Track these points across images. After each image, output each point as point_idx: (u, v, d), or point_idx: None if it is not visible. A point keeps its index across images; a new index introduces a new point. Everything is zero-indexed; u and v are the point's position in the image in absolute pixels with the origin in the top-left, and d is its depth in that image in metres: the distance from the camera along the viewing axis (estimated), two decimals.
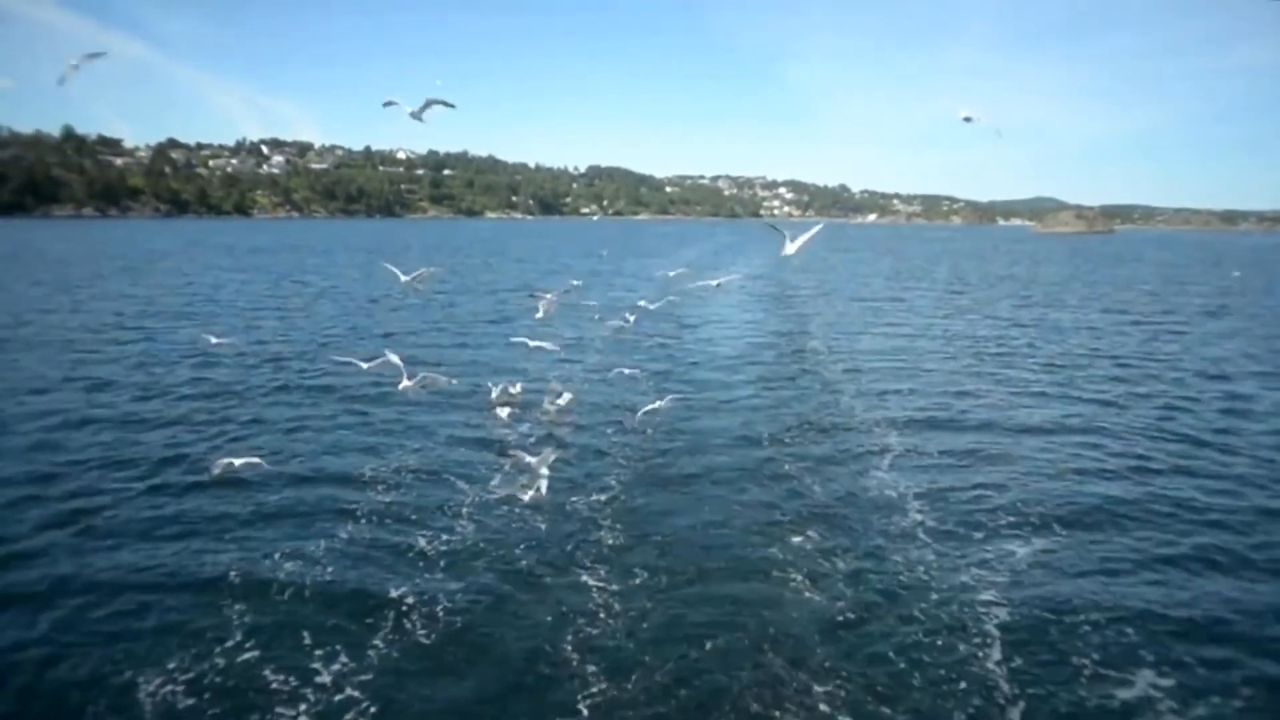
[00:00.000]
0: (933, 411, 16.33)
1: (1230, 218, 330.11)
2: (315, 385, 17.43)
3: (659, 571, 9.14)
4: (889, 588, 8.82)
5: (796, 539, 10.04)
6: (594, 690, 7.04)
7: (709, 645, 7.68)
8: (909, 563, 9.45)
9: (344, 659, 7.34)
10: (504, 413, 14.56)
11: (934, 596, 8.67)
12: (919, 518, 10.77)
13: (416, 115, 11.40)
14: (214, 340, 16.10)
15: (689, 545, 9.91)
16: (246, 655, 7.40)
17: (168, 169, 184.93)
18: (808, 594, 8.73)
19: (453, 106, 11.44)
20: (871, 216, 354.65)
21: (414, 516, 10.48)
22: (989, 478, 12.36)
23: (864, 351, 23.39)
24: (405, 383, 11.75)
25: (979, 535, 10.28)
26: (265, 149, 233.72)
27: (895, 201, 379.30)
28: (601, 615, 8.21)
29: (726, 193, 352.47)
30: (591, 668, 7.34)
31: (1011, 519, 10.80)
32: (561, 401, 15.09)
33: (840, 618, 8.23)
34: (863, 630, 8.01)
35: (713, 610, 8.35)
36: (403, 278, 13.16)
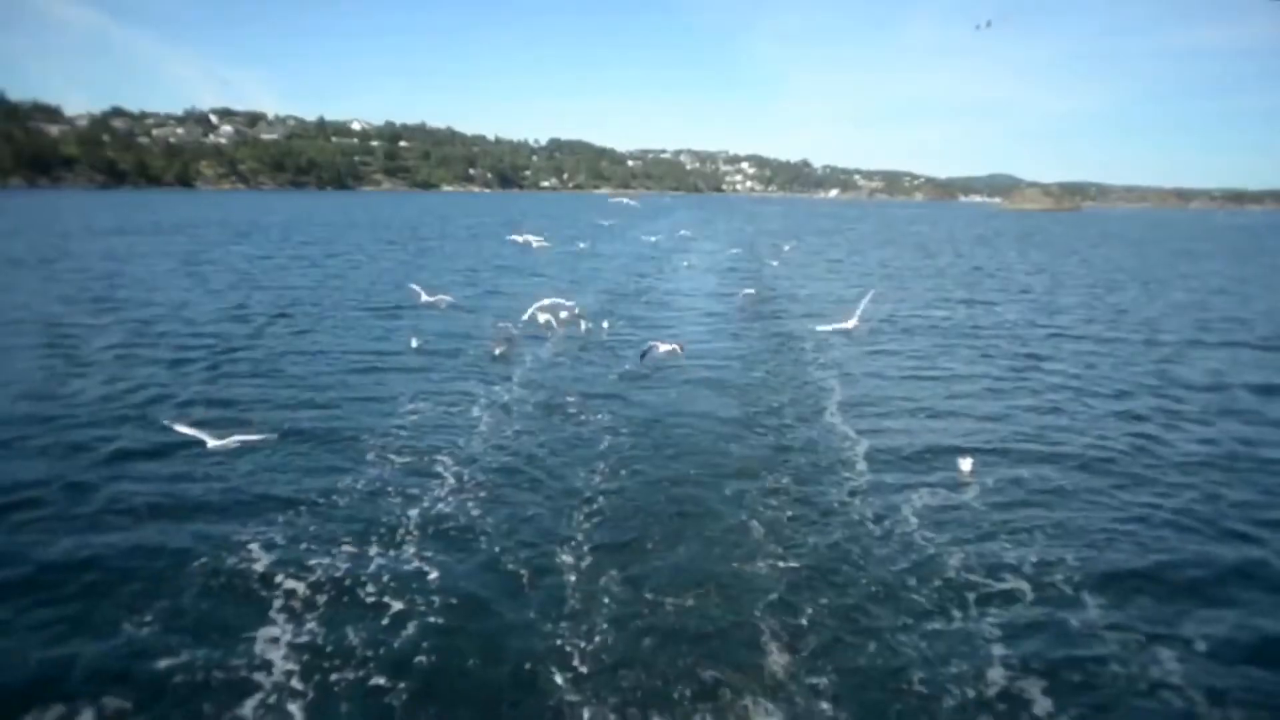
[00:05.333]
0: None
1: (1184, 195, 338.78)
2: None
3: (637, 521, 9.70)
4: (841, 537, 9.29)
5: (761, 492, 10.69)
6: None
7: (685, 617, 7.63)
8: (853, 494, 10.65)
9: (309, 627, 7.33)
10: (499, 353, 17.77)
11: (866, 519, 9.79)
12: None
13: None
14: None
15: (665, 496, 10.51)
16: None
17: (106, 137, 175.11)
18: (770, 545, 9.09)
19: None
20: (834, 192, 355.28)
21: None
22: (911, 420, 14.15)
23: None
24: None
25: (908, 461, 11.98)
26: (214, 118, 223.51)
27: (857, 177, 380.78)
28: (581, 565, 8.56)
29: (689, 167, 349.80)
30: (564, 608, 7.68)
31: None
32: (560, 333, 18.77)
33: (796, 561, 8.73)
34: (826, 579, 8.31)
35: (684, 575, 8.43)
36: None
